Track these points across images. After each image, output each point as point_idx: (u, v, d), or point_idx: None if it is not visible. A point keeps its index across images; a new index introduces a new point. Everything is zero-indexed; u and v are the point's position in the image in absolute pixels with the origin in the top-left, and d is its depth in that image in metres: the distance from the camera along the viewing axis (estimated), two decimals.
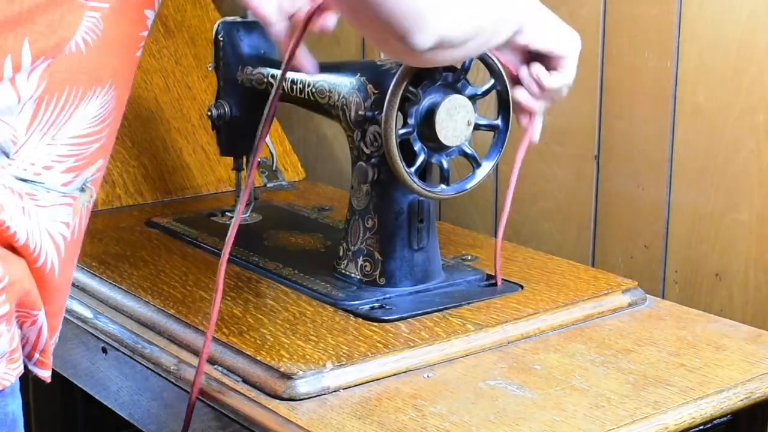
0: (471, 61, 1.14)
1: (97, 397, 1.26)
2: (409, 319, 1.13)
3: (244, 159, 1.47)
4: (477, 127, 1.16)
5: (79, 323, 1.25)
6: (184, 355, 1.10)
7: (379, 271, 1.20)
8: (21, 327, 0.84)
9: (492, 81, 1.16)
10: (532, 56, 1.08)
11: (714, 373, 1.05)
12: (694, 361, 1.08)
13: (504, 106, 1.18)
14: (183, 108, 1.68)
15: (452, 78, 1.14)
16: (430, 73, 1.13)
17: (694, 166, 1.33)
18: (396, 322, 1.13)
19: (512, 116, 1.18)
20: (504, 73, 1.14)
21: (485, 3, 0.96)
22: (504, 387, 1.01)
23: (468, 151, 1.16)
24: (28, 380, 1.54)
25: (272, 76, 1.32)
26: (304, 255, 1.33)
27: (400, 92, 1.10)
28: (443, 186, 1.16)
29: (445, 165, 1.16)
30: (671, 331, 1.15)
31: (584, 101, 1.44)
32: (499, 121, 1.18)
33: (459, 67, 1.14)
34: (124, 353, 1.17)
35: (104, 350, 1.21)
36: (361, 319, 1.14)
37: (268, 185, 1.66)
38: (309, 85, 1.25)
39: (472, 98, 1.14)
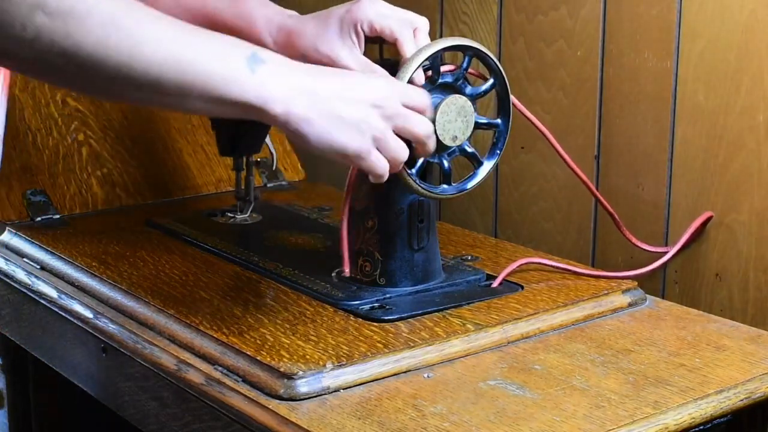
0: (470, 60, 1.14)
1: (96, 397, 1.26)
2: (409, 319, 1.13)
3: (244, 159, 1.47)
4: (477, 126, 1.16)
5: (79, 323, 1.25)
6: (184, 355, 1.10)
7: (379, 271, 1.19)
8: None
9: (492, 80, 1.16)
10: None
11: (714, 373, 1.05)
12: (694, 361, 1.08)
13: (504, 105, 1.18)
14: None
15: (452, 78, 1.14)
16: (429, 74, 1.13)
17: (693, 166, 1.33)
18: (396, 322, 1.13)
19: (512, 115, 1.18)
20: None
21: None
22: (504, 387, 1.01)
23: (469, 150, 1.16)
24: (27, 380, 1.54)
25: None
26: (304, 255, 1.32)
27: None
28: (444, 186, 1.16)
29: (446, 165, 1.16)
30: (671, 331, 1.16)
31: (584, 101, 1.44)
32: (499, 120, 1.18)
33: (457, 66, 1.14)
34: (124, 353, 1.17)
35: (104, 350, 1.21)
36: (361, 319, 1.14)
37: (268, 185, 1.66)
38: None
39: (472, 98, 1.15)
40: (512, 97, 1.18)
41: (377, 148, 1.02)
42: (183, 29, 0.92)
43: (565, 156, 1.28)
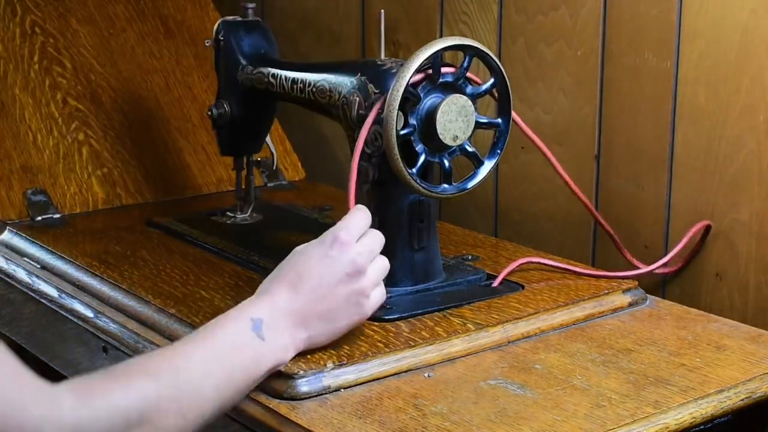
0: (470, 60, 1.14)
1: None
2: (410, 319, 1.13)
3: (245, 159, 1.47)
4: (478, 125, 1.16)
5: (80, 323, 1.25)
6: None
7: None
8: None
9: (492, 79, 1.17)
10: None
11: (714, 372, 1.05)
12: (695, 360, 1.08)
13: (504, 105, 1.18)
14: (183, 108, 1.68)
15: (452, 78, 1.14)
16: (431, 73, 1.13)
17: (694, 166, 1.33)
18: (397, 322, 1.13)
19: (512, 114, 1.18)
20: None
21: None
22: (505, 386, 1.01)
23: (469, 149, 1.16)
24: None
25: (272, 75, 1.32)
26: None
27: (401, 92, 1.10)
28: (445, 185, 1.16)
29: (447, 164, 1.16)
30: (672, 330, 1.16)
31: (584, 101, 1.44)
32: (499, 120, 1.18)
33: (458, 66, 1.14)
34: (124, 353, 1.17)
35: (105, 350, 1.21)
36: None
37: (269, 185, 1.66)
38: (309, 85, 1.25)
39: (473, 97, 1.15)
40: (513, 114, 1.19)
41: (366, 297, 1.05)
42: (206, 346, 0.96)
43: (567, 178, 1.28)
